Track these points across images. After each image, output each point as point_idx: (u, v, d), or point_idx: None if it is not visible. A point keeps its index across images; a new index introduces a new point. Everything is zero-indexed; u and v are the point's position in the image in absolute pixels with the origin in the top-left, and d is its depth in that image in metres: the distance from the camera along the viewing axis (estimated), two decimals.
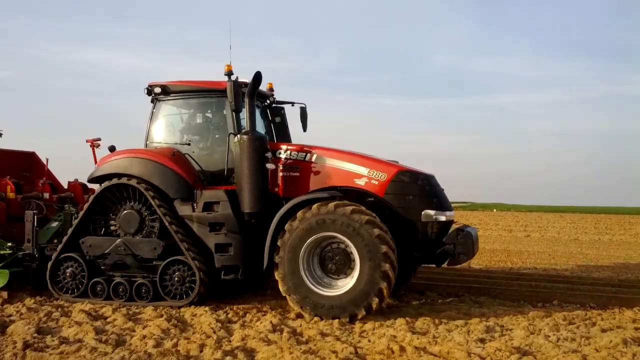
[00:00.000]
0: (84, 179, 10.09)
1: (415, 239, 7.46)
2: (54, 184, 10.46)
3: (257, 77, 7.60)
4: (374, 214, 7.05)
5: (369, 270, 6.83)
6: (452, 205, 8.16)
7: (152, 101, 8.50)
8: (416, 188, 7.52)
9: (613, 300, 8.47)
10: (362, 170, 7.65)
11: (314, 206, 7.10)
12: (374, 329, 6.61)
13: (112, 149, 8.47)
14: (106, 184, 8.01)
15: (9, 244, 8.46)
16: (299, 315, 7.17)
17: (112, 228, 8.15)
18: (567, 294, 8.88)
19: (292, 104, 9.53)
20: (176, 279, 7.60)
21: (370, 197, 7.60)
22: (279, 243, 7.18)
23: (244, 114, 7.75)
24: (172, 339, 5.99)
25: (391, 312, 7.61)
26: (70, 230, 8.23)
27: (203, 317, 7.03)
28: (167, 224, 7.63)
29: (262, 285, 8.95)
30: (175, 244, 7.71)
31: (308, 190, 7.80)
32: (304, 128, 9.51)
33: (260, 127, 8.80)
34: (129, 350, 5.69)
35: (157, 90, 8.33)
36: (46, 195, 10.06)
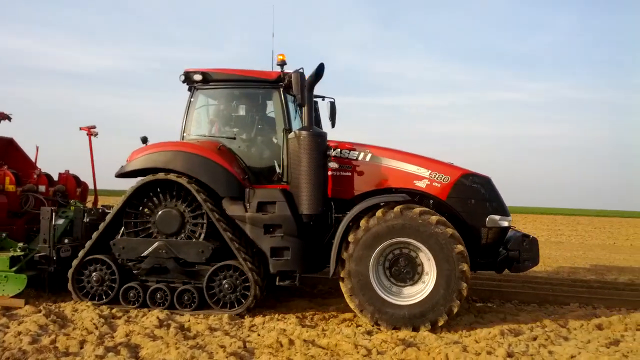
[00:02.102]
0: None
1: (477, 244, 7.22)
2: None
3: (320, 68, 7.06)
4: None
5: (446, 272, 6.50)
6: None
7: (190, 89, 7.73)
8: (480, 192, 7.28)
9: (494, 294, 8.93)
10: (423, 171, 7.30)
11: (379, 211, 6.67)
12: (264, 323, 6.56)
13: (144, 140, 7.60)
14: (146, 179, 7.15)
15: (20, 244, 7.40)
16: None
17: (147, 228, 7.30)
18: None
19: (323, 98, 9.02)
20: (226, 285, 6.91)
21: (431, 200, 7.28)
22: (343, 254, 6.68)
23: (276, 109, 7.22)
24: (50, 335, 5.73)
25: (282, 305, 7.66)
26: (100, 229, 7.31)
27: (85, 313, 6.70)
28: (217, 225, 6.93)
29: None
30: (221, 248, 7.04)
31: (360, 191, 7.39)
32: (333, 124, 9.01)
33: (298, 122, 8.25)
34: (1, 347, 5.39)
35: (197, 77, 7.58)
36: (42, 188, 8.97)
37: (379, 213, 6.68)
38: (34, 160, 9.49)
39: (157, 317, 6.46)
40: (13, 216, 8.27)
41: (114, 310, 6.87)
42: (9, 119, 7.66)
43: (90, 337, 5.70)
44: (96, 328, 6.09)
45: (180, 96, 8.57)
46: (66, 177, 9.76)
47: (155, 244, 7.03)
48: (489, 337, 6.26)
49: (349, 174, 7.42)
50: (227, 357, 5.26)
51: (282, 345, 5.68)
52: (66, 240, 7.67)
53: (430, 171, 7.28)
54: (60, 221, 8.10)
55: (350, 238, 6.70)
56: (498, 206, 7.31)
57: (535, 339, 6.33)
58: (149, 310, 6.89)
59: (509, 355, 5.61)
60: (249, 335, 6.10)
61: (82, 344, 5.53)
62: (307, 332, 6.19)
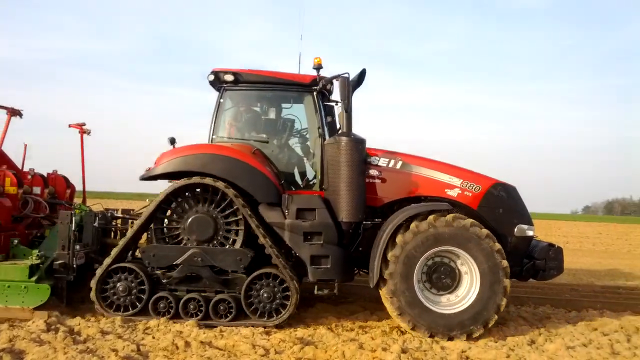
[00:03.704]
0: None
1: (505, 253, 7.37)
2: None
3: (363, 74, 7.01)
4: None
5: (490, 285, 6.59)
6: None
7: (219, 90, 7.43)
8: (509, 201, 7.45)
9: None
10: (455, 180, 7.39)
11: (431, 218, 6.67)
12: (159, 326, 6.44)
13: (172, 141, 7.22)
14: (180, 182, 6.77)
15: (35, 251, 6.80)
16: (79, 314, 6.70)
17: (177, 235, 6.90)
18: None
19: (336, 102, 8.95)
20: (265, 294, 6.66)
21: (462, 209, 7.37)
22: (389, 257, 6.60)
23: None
24: None
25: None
26: (128, 236, 6.85)
27: None
28: (257, 232, 6.68)
29: None
30: (257, 255, 6.80)
31: (390, 198, 7.38)
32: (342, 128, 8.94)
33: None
34: None
35: (228, 78, 7.29)
36: (37, 190, 8.32)
37: (431, 219, 6.63)
38: (21, 160, 8.77)
39: (45, 321, 6.15)
40: (13, 221, 7.59)
41: None
42: (20, 115, 7.03)
43: None
44: None
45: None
46: (55, 177, 9.10)
47: (190, 252, 6.67)
48: (385, 334, 6.52)
49: (379, 181, 7.37)
50: None
51: (177, 348, 5.60)
52: (77, 247, 7.12)
53: (462, 180, 7.38)
54: None
55: (399, 240, 6.56)
56: (524, 215, 7.52)
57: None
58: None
59: (403, 351, 5.78)
60: (143, 339, 5.95)
61: None
62: (204, 333, 6.11)
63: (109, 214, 7.85)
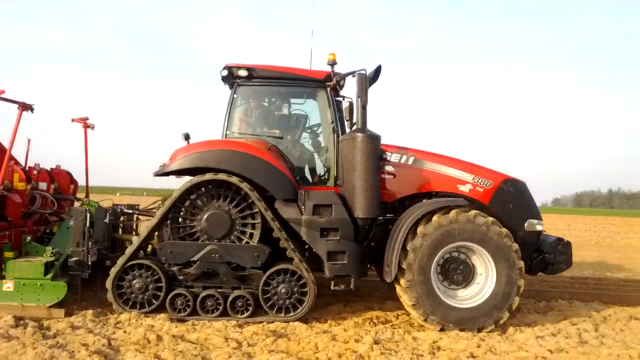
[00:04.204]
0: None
1: None
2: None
3: (379, 70, 7.03)
4: None
5: (506, 270, 6.67)
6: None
7: (232, 85, 7.38)
8: (519, 196, 7.55)
9: (363, 282, 8.89)
10: (467, 176, 7.48)
11: (452, 213, 6.70)
12: (130, 320, 6.40)
13: (187, 137, 7.16)
14: (196, 179, 6.72)
15: (49, 248, 6.71)
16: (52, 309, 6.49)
17: (193, 232, 6.87)
18: None
19: (343, 97, 8.96)
20: (283, 290, 6.68)
21: (473, 204, 7.44)
22: (408, 247, 6.60)
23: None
24: None
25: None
26: (146, 232, 6.79)
27: None
28: (273, 226, 6.69)
29: None
30: (273, 251, 6.81)
31: (402, 194, 7.45)
32: (351, 124, 8.94)
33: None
34: None
35: (242, 73, 7.25)
36: (43, 185, 8.19)
37: (452, 213, 6.69)
38: (24, 155, 8.62)
39: (13, 316, 6.07)
40: (22, 217, 7.47)
41: None
42: (32, 109, 6.89)
43: None
44: None
45: None
46: (58, 173, 8.97)
47: (208, 248, 6.64)
48: (357, 326, 6.59)
49: (391, 176, 7.42)
50: (90, 356, 5.05)
51: (149, 342, 5.58)
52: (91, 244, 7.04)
53: (473, 176, 7.46)
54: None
55: (417, 235, 6.63)
56: (534, 210, 7.63)
57: (400, 326, 6.81)
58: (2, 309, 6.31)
59: (376, 342, 5.86)
60: (114, 333, 5.91)
61: None
62: (176, 327, 6.10)
63: (119, 210, 7.77)
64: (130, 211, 7.88)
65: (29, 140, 8.67)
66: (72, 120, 9.40)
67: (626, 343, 6.29)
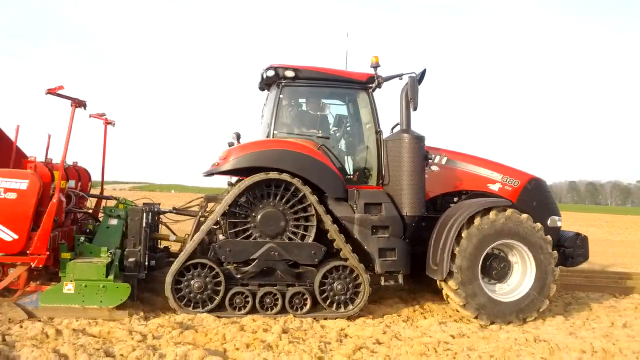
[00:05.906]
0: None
1: None
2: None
3: (424, 73, 7.34)
4: None
5: (544, 273, 7.15)
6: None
7: (278, 86, 7.47)
8: (543, 194, 8.13)
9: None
10: (496, 175, 7.97)
11: (492, 213, 7.07)
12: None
13: (238, 136, 7.20)
14: (256, 177, 6.78)
15: (105, 249, 6.58)
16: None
17: (247, 229, 6.93)
18: None
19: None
20: (339, 286, 6.88)
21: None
22: (456, 251, 6.95)
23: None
24: None
25: None
26: (204, 231, 6.78)
27: None
28: (331, 227, 6.87)
29: None
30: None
31: (435, 193, 7.85)
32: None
33: None
34: None
35: (289, 74, 7.36)
36: (71, 183, 7.96)
37: (492, 213, 7.05)
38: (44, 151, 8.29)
39: None
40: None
41: None
42: (85, 106, 6.71)
43: None
44: None
45: None
46: (79, 170, 8.70)
47: (266, 246, 6.74)
48: (266, 316, 6.61)
49: (426, 176, 7.75)
50: None
51: (48, 337, 5.38)
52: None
53: (502, 175, 7.96)
54: (114, 222, 7.39)
55: (464, 234, 6.93)
56: (554, 207, 8.21)
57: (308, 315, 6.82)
58: None
59: (284, 331, 5.99)
60: (9, 328, 5.65)
61: None
62: (77, 321, 5.91)
63: (156, 209, 7.70)
64: (169, 210, 7.81)
65: (49, 136, 8.36)
66: (90, 116, 9.12)
67: (523, 327, 6.83)
